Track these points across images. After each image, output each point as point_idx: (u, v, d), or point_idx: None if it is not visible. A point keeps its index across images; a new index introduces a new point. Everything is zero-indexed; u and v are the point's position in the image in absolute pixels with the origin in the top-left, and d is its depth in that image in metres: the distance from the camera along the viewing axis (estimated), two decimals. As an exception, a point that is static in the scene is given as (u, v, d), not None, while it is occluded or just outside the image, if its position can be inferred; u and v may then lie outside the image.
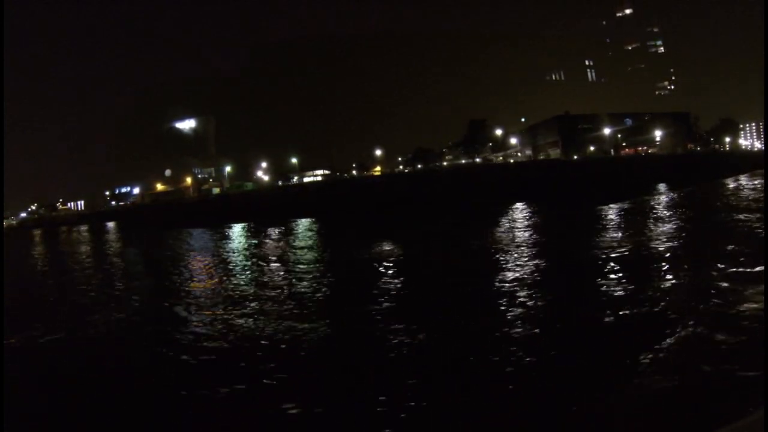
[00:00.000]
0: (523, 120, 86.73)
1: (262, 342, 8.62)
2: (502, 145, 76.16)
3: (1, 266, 24.94)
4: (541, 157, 71.83)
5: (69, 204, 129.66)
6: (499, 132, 77.05)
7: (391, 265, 15.82)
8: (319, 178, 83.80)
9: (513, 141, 76.32)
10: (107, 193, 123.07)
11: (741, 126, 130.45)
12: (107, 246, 38.47)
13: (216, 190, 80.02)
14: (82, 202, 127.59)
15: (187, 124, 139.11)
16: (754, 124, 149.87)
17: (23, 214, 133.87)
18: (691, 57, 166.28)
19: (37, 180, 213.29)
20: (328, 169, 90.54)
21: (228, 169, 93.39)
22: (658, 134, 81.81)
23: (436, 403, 5.86)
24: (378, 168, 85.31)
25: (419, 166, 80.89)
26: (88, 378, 7.60)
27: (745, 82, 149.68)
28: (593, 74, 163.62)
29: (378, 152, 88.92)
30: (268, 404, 6.10)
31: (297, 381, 6.81)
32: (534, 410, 5.56)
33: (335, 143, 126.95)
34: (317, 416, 5.72)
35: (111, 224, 78.61)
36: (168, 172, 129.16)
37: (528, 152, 72.43)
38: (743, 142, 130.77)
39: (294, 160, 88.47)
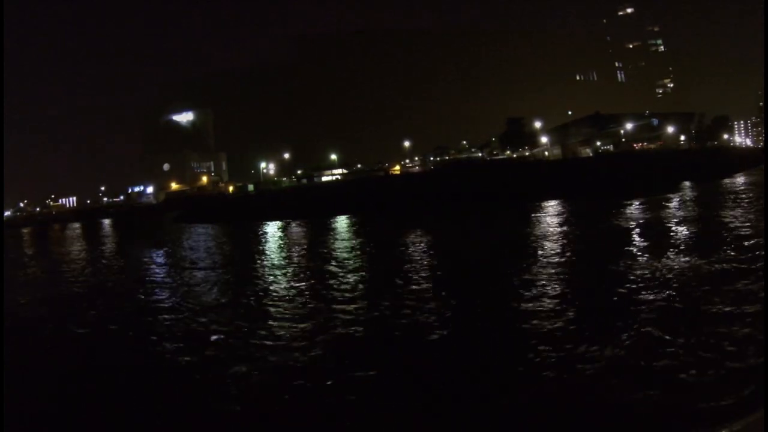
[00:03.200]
0: (570, 113, 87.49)
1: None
2: (533, 142, 77.11)
3: (2, 265, 24.46)
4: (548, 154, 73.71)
5: (61, 200, 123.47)
6: (538, 125, 78.14)
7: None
8: (335, 177, 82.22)
9: (543, 140, 77.14)
10: (102, 188, 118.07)
11: (730, 123, 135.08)
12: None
13: (250, 187, 78.92)
14: (74, 198, 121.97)
15: (184, 117, 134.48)
16: (743, 122, 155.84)
17: (8, 212, 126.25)
18: (691, 55, 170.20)
19: (27, 176, 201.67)
20: (345, 168, 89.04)
21: (263, 165, 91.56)
22: (660, 133, 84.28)
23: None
24: (397, 167, 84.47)
25: (432, 167, 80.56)
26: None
27: (737, 80, 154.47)
28: (622, 75, 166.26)
29: (407, 143, 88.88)
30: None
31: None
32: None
33: (352, 141, 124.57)
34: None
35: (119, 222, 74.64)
36: (166, 166, 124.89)
37: (556, 151, 73.23)
38: (737, 139, 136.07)
39: (333, 157, 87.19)
